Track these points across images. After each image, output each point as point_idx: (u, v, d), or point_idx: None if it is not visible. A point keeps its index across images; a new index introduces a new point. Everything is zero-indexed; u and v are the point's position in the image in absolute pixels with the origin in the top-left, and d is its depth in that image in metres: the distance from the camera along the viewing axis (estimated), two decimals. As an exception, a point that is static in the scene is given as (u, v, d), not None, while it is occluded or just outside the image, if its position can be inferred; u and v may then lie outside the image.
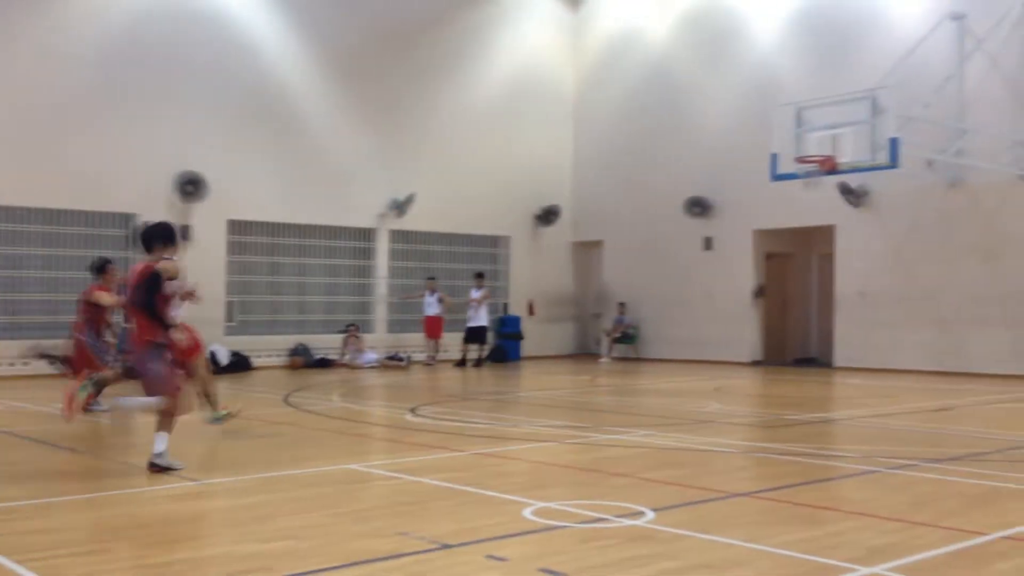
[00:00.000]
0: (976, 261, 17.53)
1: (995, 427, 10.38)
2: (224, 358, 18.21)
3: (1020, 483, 7.06)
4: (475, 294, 20.53)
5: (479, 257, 23.02)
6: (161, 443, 7.34)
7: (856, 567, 4.76)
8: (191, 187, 18.38)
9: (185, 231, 18.56)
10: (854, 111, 15.20)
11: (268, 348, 19.54)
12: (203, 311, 18.72)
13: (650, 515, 5.86)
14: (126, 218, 18.14)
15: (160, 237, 7.70)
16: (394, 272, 21.56)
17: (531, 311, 23.49)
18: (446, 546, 5.17)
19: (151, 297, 7.48)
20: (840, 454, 8.80)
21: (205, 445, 9.54)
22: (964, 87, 17.47)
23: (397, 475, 7.47)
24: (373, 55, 21.11)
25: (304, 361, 19.59)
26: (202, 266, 18.76)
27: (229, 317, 19.30)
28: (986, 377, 16.74)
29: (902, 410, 11.93)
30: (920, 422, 10.82)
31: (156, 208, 18.28)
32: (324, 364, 19.80)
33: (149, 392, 7.51)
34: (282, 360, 19.70)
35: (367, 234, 21.26)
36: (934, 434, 9.87)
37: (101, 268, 11.80)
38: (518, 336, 22.71)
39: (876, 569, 4.72)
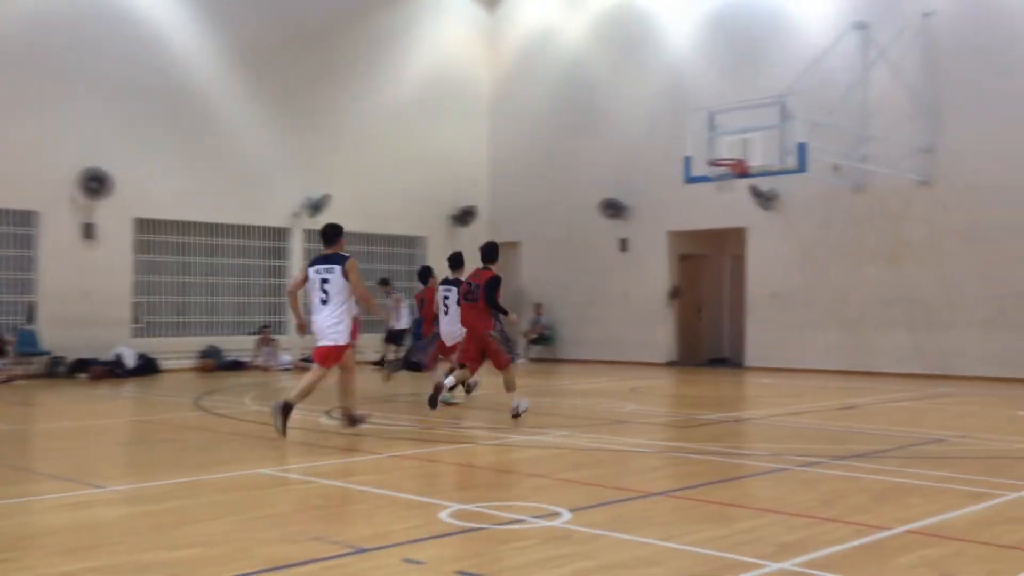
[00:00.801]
0: (881, 264, 18.09)
1: (898, 425, 10.71)
2: (130, 361, 17.74)
3: (922, 479, 7.29)
4: (387, 301, 19.94)
5: (396, 257, 22.88)
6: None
7: (767, 563, 4.85)
8: (95, 184, 17.86)
9: (89, 229, 18.03)
10: (764, 116, 15.55)
11: (177, 350, 19.10)
12: (108, 312, 18.33)
13: (567, 515, 5.88)
14: (28, 215, 17.55)
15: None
16: (309, 273, 21.25)
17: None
18: (362, 550, 5.11)
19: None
20: (751, 453, 8.97)
21: (111, 451, 9.28)
22: (868, 95, 18.02)
23: (312, 479, 7.36)
24: (286, 52, 20.80)
25: (215, 363, 19.20)
26: (107, 265, 18.31)
27: (136, 318, 18.80)
28: (889, 376, 17.29)
29: (810, 409, 12.23)
30: (827, 420, 11.10)
31: (59, 206, 17.76)
32: (236, 367, 19.43)
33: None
34: (192, 363, 19.27)
35: (280, 234, 20.94)
36: (840, 432, 10.14)
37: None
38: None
39: (785, 565, 4.82)
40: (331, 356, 9.37)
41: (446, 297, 12.49)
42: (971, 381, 16.34)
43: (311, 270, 9.51)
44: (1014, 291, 16.63)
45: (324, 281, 9.35)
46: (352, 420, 9.70)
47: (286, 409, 9.13)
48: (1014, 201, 16.66)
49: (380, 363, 20.08)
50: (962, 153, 17.18)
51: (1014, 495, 6.59)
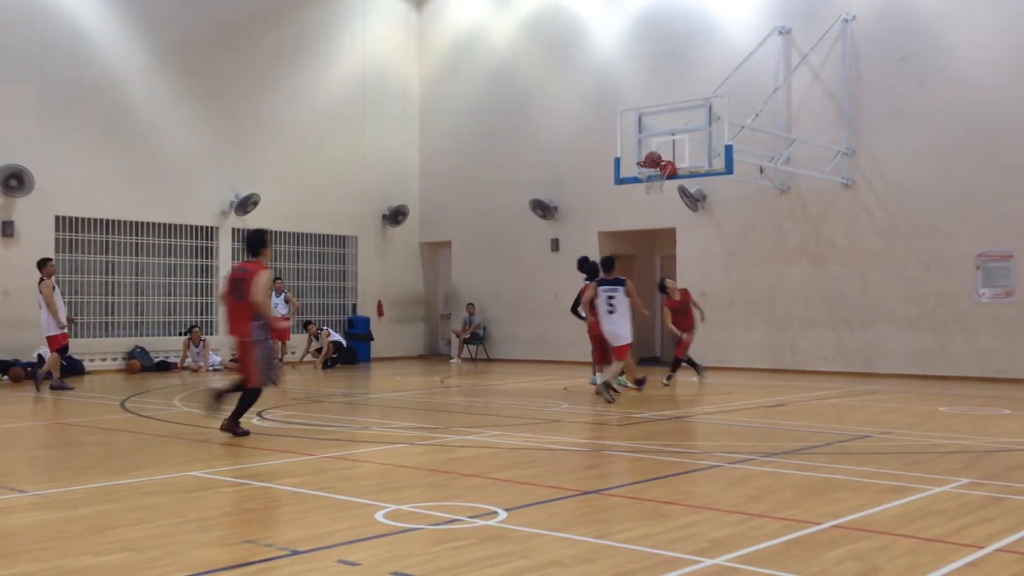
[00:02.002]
0: (805, 264, 18.48)
1: (823, 421, 10.95)
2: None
3: (848, 474, 7.47)
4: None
5: (327, 257, 22.68)
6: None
7: (700, 559, 4.92)
8: (14, 181, 17.36)
9: (7, 227, 17.52)
10: (691, 118, 15.75)
11: (103, 351, 18.68)
12: (28, 313, 17.79)
13: (502, 515, 5.89)
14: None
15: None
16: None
17: (380, 312, 23.31)
18: (295, 552, 5.06)
19: None
20: (683, 450, 9.09)
21: (34, 454, 9.04)
22: (791, 98, 18.42)
23: (243, 481, 7.26)
24: (212, 49, 20.48)
25: (142, 364, 18.81)
26: (27, 264, 17.77)
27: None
28: (814, 374, 17.69)
29: (739, 407, 12.43)
30: (756, 418, 11.30)
31: (-23, 203, 17.23)
32: (164, 367, 19.07)
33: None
34: (118, 364, 18.86)
35: (208, 232, 20.60)
36: (769, 429, 10.33)
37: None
38: (367, 337, 22.49)
39: (718, 560, 4.90)
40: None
41: (611, 298, 13.07)
42: (894, 378, 16.80)
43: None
44: (932, 291, 17.14)
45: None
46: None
47: None
48: (931, 204, 17.17)
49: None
50: (882, 156, 17.66)
51: (937, 489, 6.79)
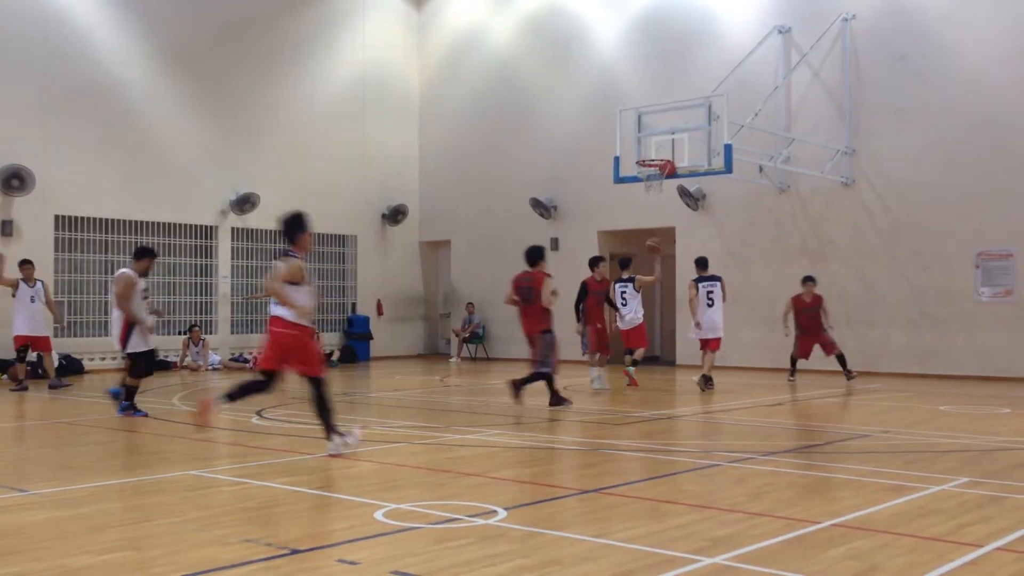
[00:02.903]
0: (804, 263, 18.46)
1: (824, 421, 10.96)
2: (53, 361, 17.23)
3: (848, 473, 7.47)
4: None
5: (326, 256, 22.67)
6: None
7: (699, 558, 4.92)
8: (16, 181, 17.36)
9: (6, 226, 17.52)
10: (691, 117, 15.76)
11: (103, 350, 18.65)
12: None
13: (502, 514, 5.89)
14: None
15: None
16: (237, 271, 20.96)
17: (380, 311, 23.30)
18: (296, 551, 5.06)
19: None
20: (683, 449, 9.09)
21: (33, 453, 9.04)
22: (791, 97, 18.41)
23: (243, 480, 7.25)
24: (212, 48, 20.48)
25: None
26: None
27: (58, 318, 18.28)
28: (815, 373, 17.67)
29: (739, 406, 12.43)
30: (756, 417, 11.30)
31: (-23, 202, 17.23)
32: (163, 366, 19.06)
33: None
34: (117, 363, 18.82)
35: (208, 232, 20.59)
36: (769, 428, 10.33)
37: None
38: (367, 336, 22.49)
39: (718, 559, 4.90)
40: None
41: (711, 292, 14.40)
42: (894, 377, 16.81)
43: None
44: (933, 289, 17.14)
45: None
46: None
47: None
48: (932, 202, 17.17)
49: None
50: (882, 155, 17.66)
51: (936, 488, 6.79)
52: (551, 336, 11.79)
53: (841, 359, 15.70)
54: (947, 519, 5.81)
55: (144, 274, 11.44)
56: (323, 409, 8.11)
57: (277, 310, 8.16)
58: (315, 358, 8.24)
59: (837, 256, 18.17)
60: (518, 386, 11.83)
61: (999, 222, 16.56)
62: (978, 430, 10.08)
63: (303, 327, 8.13)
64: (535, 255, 12.00)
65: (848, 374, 15.62)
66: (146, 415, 11.08)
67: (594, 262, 14.59)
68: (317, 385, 8.10)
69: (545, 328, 11.78)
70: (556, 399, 11.81)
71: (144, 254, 11.58)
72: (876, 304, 17.73)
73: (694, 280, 14.80)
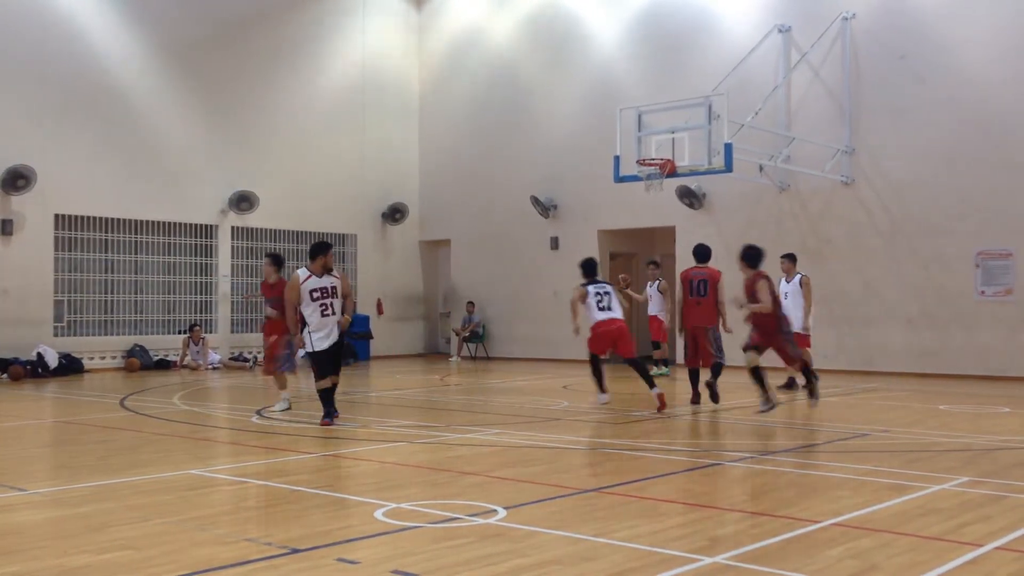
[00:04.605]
0: (804, 262, 18.39)
1: (823, 420, 10.95)
2: (53, 360, 17.27)
3: (847, 472, 7.47)
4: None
5: (325, 255, 22.63)
6: None
7: (699, 557, 4.92)
8: (22, 182, 17.36)
9: (6, 225, 17.52)
10: (691, 116, 15.74)
11: (102, 349, 18.68)
12: (28, 310, 17.82)
13: (502, 513, 5.89)
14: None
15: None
16: (237, 270, 20.96)
17: (380, 310, 23.30)
18: (295, 551, 5.05)
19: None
20: (683, 448, 9.09)
21: (33, 452, 9.05)
22: (791, 96, 18.39)
23: (242, 479, 7.25)
24: (211, 47, 20.47)
25: (141, 363, 18.81)
26: (26, 263, 17.81)
27: (58, 317, 18.32)
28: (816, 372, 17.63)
29: (739, 405, 12.42)
30: (755, 416, 11.29)
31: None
32: (163, 366, 19.07)
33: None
34: (117, 362, 18.86)
35: (208, 231, 20.59)
36: (768, 427, 10.33)
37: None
38: (367, 336, 22.49)
39: (718, 559, 4.89)
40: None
41: (786, 294, 13.61)
42: (893, 376, 16.80)
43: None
44: (932, 289, 17.14)
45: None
46: None
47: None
48: (931, 201, 17.16)
49: None
50: (882, 154, 17.65)
51: (936, 487, 6.79)
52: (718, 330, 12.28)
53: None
54: (947, 518, 5.81)
55: (322, 273, 10.25)
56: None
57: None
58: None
59: (836, 255, 18.15)
60: (715, 386, 12.03)
61: (999, 221, 16.55)
62: (977, 429, 10.08)
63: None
64: (707, 253, 12.62)
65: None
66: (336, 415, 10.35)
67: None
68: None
69: (716, 323, 12.26)
70: (706, 395, 12.19)
71: (320, 250, 10.33)
72: (875, 303, 17.71)
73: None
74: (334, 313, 10.25)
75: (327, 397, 10.26)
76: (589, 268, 12.36)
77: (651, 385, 11.68)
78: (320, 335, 10.18)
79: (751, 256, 11.57)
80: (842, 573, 4.67)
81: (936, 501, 6.34)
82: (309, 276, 10.25)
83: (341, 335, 10.34)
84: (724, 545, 5.16)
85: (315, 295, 10.19)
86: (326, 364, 10.25)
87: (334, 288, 10.28)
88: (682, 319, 12.48)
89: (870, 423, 10.51)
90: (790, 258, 14.38)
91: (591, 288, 12.01)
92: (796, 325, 13.38)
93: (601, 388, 12.09)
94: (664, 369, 17.32)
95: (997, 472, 7.45)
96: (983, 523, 5.70)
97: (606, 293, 11.96)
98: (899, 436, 9.51)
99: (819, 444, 9.01)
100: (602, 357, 12.06)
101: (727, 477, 7.40)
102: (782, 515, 5.90)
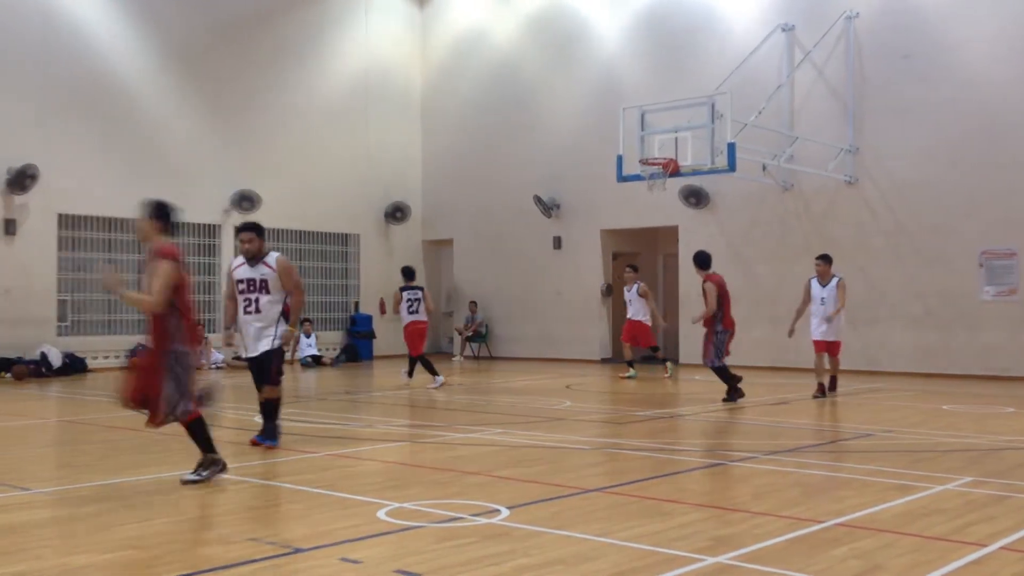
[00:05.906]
0: (808, 262, 18.38)
1: (827, 420, 10.94)
2: (56, 360, 17.29)
3: (851, 472, 7.46)
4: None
5: (329, 255, 22.68)
6: None
7: (703, 557, 4.91)
8: (29, 181, 17.38)
9: (9, 225, 17.54)
10: (694, 115, 15.73)
11: (106, 349, 18.69)
12: (31, 310, 17.84)
13: (505, 513, 5.89)
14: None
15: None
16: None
17: (383, 310, 23.30)
18: (298, 550, 5.05)
19: None
20: (686, 448, 9.08)
21: (36, 451, 9.06)
22: (794, 96, 18.37)
23: (245, 479, 7.26)
24: (214, 46, 20.47)
25: (144, 362, 18.78)
26: (29, 262, 17.83)
27: (62, 316, 18.34)
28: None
29: (742, 404, 12.41)
30: (759, 416, 11.29)
31: (-20, 201, 17.25)
32: (165, 365, 19.04)
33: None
34: (121, 361, 18.83)
35: (211, 230, 20.60)
36: (772, 427, 10.31)
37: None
38: (370, 335, 22.49)
39: (721, 559, 4.89)
40: None
41: (823, 299, 13.20)
42: (897, 377, 16.77)
43: None
44: (936, 288, 17.11)
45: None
46: None
47: None
48: (935, 201, 17.13)
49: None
50: (885, 154, 17.62)
51: (939, 488, 6.78)
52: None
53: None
54: (951, 518, 5.80)
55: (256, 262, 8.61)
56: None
57: None
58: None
59: (840, 255, 18.05)
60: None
61: (1003, 221, 16.52)
62: (982, 429, 10.06)
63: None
64: (702, 259, 12.84)
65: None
66: None
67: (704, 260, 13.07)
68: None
69: (714, 324, 12.61)
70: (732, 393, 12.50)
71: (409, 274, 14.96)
72: (879, 303, 17.68)
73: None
74: (257, 312, 8.37)
75: (266, 411, 8.66)
76: (408, 274, 15.12)
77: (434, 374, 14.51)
78: (245, 338, 8.52)
79: (700, 259, 12.81)
80: (846, 573, 4.66)
81: (940, 501, 6.33)
82: (242, 264, 8.56)
83: (273, 351, 8.41)
84: (727, 545, 5.15)
85: (240, 286, 8.51)
86: (253, 373, 8.65)
87: (264, 281, 8.37)
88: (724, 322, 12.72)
89: (874, 423, 10.49)
90: (824, 259, 13.33)
91: (405, 293, 14.81)
92: (836, 333, 13.17)
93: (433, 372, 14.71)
94: (633, 372, 16.87)
95: (1002, 472, 7.44)
96: (987, 523, 5.68)
97: (417, 300, 14.76)
98: (903, 436, 9.50)
99: (822, 444, 9.00)
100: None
101: (730, 477, 7.39)
102: (785, 515, 5.89)
